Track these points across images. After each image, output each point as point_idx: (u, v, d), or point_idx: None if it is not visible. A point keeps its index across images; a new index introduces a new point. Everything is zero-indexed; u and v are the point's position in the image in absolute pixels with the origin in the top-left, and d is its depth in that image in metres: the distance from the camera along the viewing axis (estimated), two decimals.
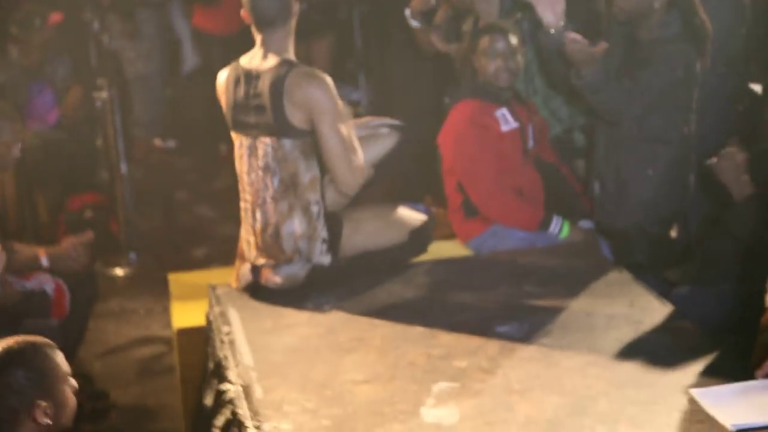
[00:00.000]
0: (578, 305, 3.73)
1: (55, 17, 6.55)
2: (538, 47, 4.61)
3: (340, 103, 3.85)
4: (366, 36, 7.97)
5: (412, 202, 4.41)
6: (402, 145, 4.18)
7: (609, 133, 4.43)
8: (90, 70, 7.13)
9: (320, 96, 3.78)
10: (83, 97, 6.73)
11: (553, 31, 4.31)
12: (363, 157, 3.91)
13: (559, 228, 4.45)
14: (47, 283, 4.46)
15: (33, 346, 2.65)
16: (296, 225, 3.91)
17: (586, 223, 4.57)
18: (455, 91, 4.82)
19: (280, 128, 3.85)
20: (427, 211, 4.32)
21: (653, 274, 4.14)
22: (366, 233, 4.03)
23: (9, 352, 2.62)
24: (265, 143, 3.89)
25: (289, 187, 3.89)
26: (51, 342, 2.70)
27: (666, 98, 4.27)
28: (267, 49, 3.89)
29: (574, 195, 4.67)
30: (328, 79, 3.82)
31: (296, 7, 3.90)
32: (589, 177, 4.69)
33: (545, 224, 4.46)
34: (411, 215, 4.19)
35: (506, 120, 4.54)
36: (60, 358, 2.68)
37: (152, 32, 8.15)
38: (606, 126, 4.44)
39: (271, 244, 3.95)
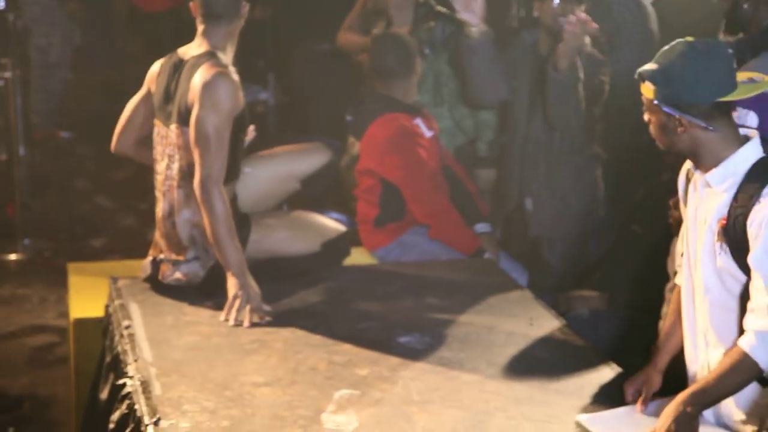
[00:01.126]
0: (479, 320, 3.78)
1: None
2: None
3: (228, 105, 3.74)
4: (276, 35, 7.96)
5: (331, 211, 4.41)
6: (334, 163, 4.19)
7: (543, 146, 4.53)
8: None
9: (209, 88, 3.72)
10: None
11: (474, 29, 4.39)
12: (219, 167, 3.73)
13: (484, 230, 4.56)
14: None
15: None
16: (191, 213, 3.88)
17: (481, 227, 4.65)
18: (358, 108, 4.81)
19: (182, 115, 3.83)
20: (348, 223, 4.33)
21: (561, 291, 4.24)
22: (276, 240, 4.02)
23: None
24: (171, 131, 3.88)
25: (187, 175, 3.86)
26: None
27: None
28: (203, 41, 3.87)
29: (470, 197, 4.72)
30: (230, 81, 3.75)
31: (245, 9, 3.89)
32: (519, 191, 4.73)
33: (479, 253, 4.52)
34: (327, 225, 4.18)
35: (422, 129, 4.59)
36: None
37: (63, 19, 8.03)
38: (545, 136, 4.53)
39: (169, 231, 3.94)
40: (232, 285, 3.72)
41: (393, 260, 4.46)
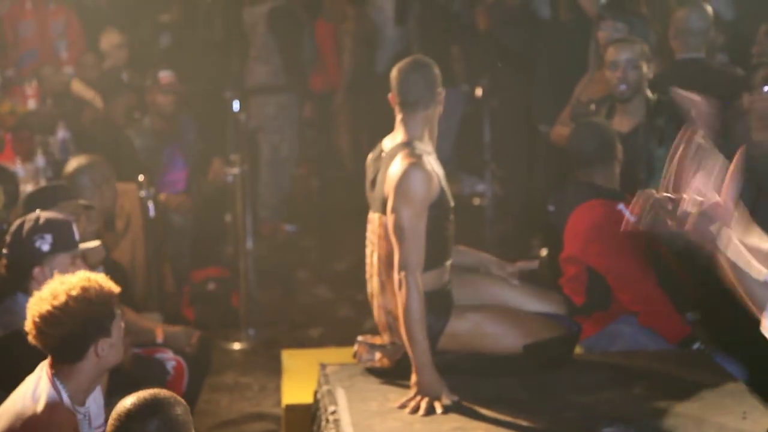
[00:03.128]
0: (688, 412, 3.66)
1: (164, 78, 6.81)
2: None
3: (421, 196, 3.79)
4: (495, 128, 8.05)
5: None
6: (567, 342, 4.04)
7: None
8: (224, 144, 7.38)
9: (402, 180, 3.77)
10: (224, 169, 6.93)
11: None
12: (415, 258, 3.76)
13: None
14: (169, 362, 4.60)
15: (175, 400, 2.74)
16: (385, 301, 3.93)
17: (692, 315, 4.49)
18: (559, 197, 4.78)
19: (382, 205, 3.91)
20: (569, 325, 4.09)
21: None
22: (482, 336, 3.95)
23: (157, 399, 2.72)
24: (374, 219, 3.97)
25: (384, 264, 3.91)
26: (185, 401, 2.80)
27: None
28: (401, 130, 3.95)
29: (680, 284, 4.57)
30: (423, 171, 3.79)
31: (441, 96, 3.96)
32: None
33: (689, 342, 4.38)
34: (544, 326, 4.03)
35: (626, 214, 4.52)
36: (191, 417, 2.77)
37: (293, 118, 8.38)
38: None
39: (376, 315, 4.01)
40: (414, 378, 3.76)
41: (600, 350, 4.37)
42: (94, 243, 4.16)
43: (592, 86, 5.53)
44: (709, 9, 5.45)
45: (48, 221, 3.77)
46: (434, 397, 3.71)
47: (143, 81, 7.11)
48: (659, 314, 4.38)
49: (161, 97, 6.77)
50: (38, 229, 3.75)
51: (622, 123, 4.91)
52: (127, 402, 2.73)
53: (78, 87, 7.62)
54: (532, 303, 4.12)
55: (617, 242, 4.43)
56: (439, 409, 3.68)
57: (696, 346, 4.37)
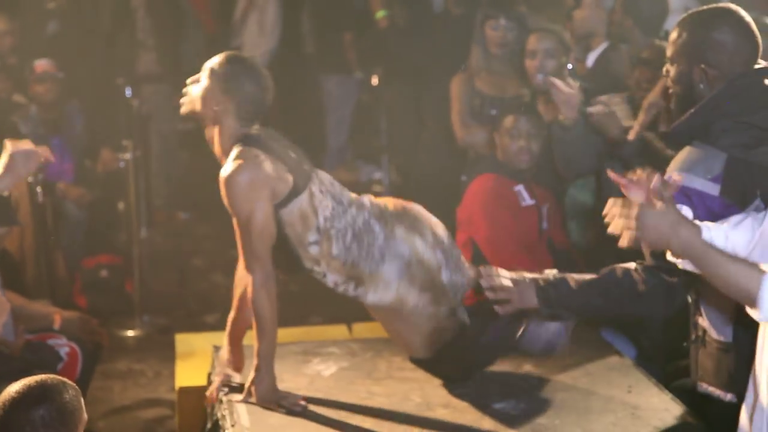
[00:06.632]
0: (576, 388, 3.75)
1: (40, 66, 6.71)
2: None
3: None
4: (391, 114, 8.09)
5: None
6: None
7: None
8: (114, 132, 7.29)
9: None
10: (114, 158, 6.86)
11: (568, 120, 4.38)
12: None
13: None
14: (62, 348, 4.53)
15: (64, 385, 2.71)
16: None
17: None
18: (472, 168, 4.91)
19: None
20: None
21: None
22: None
23: (43, 386, 2.67)
24: None
25: None
26: (76, 386, 2.76)
27: None
28: None
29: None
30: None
31: None
32: None
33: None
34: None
35: (523, 196, 4.61)
36: (82, 402, 2.73)
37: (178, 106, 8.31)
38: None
39: None
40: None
41: None
42: None
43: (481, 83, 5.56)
44: None
45: None
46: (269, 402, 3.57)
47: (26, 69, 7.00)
48: None
49: (38, 85, 6.69)
50: None
51: (548, 112, 4.96)
52: (12, 389, 2.68)
53: None
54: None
55: (498, 217, 4.52)
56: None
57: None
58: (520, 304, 3.46)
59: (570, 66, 5.11)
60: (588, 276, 3.45)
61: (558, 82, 4.30)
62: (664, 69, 3.47)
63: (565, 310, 3.46)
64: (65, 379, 2.76)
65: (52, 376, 2.75)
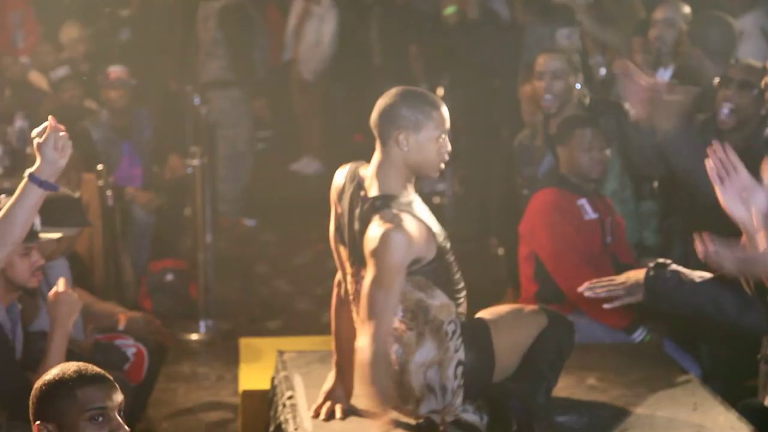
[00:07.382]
0: (640, 404, 3.73)
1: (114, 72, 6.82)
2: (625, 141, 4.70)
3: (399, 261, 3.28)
4: (455, 125, 8.09)
5: None
6: (554, 333, 3.59)
7: None
8: (181, 139, 7.39)
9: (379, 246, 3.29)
10: (182, 164, 6.94)
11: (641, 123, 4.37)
12: (370, 339, 3.24)
13: (641, 339, 4.45)
14: (129, 348, 4.60)
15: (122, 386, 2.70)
16: None
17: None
18: (534, 182, 4.90)
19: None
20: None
21: None
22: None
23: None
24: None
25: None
26: (103, 375, 2.67)
27: None
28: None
29: None
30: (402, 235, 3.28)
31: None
32: None
33: (631, 329, 4.44)
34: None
35: (586, 210, 4.61)
36: (91, 393, 2.63)
37: (245, 112, 8.40)
38: None
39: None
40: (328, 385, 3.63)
41: None
42: (55, 235, 4.15)
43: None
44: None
45: None
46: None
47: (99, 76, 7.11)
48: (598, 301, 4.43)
49: (111, 91, 6.79)
50: None
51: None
52: (50, 374, 2.65)
53: (36, 77, 7.59)
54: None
55: (561, 231, 4.51)
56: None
57: (639, 331, 4.44)
58: (627, 298, 3.50)
59: (578, 86, 5.09)
60: (701, 273, 3.44)
61: (635, 68, 4.25)
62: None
63: (668, 305, 3.48)
64: (85, 368, 2.63)
65: (90, 365, 2.67)
